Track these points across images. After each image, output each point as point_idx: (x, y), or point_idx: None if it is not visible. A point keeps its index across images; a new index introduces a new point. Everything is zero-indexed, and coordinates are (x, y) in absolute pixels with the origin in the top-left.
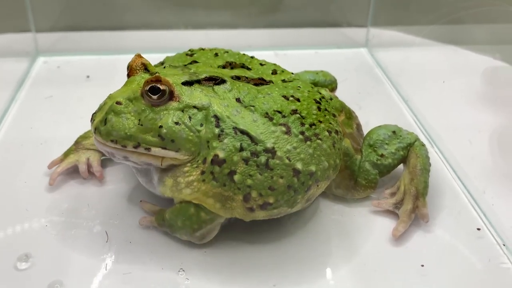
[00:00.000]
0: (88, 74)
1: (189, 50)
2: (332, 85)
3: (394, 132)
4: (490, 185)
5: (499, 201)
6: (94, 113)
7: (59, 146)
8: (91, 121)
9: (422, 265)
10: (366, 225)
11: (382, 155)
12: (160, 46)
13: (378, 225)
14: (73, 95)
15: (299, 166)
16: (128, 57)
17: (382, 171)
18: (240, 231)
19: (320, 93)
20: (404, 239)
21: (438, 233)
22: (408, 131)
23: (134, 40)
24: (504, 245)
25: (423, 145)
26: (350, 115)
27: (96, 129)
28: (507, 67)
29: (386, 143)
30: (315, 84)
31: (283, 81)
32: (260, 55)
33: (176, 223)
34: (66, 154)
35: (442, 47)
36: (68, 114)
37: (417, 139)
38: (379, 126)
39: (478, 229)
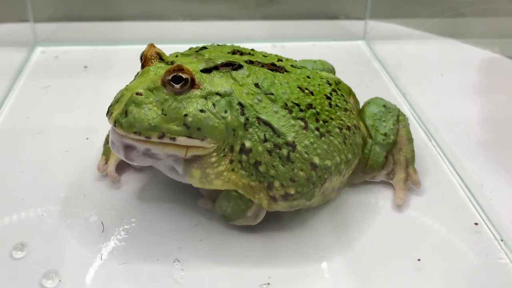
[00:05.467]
0: (86, 64)
1: (189, 49)
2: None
3: (384, 106)
4: (488, 179)
5: (497, 196)
6: (110, 105)
7: (56, 135)
8: (107, 114)
9: (419, 259)
10: (362, 218)
11: (385, 134)
12: (158, 37)
13: (374, 218)
14: (70, 85)
15: (316, 160)
16: (126, 48)
17: (388, 150)
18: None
19: (330, 84)
20: (401, 233)
21: (435, 227)
22: (389, 101)
23: (131, 30)
24: (502, 240)
25: (404, 115)
26: (357, 100)
27: (117, 122)
28: (504, 59)
29: (384, 120)
30: None
31: (292, 66)
32: (257, 47)
33: (226, 210)
34: (106, 154)
35: (441, 40)
36: (66, 104)
37: (399, 109)
38: (368, 104)
39: (476, 223)
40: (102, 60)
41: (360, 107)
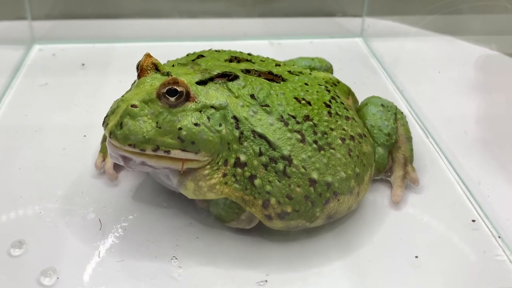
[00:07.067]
0: (83, 62)
1: (187, 55)
2: (328, 71)
3: (382, 105)
4: (485, 176)
5: (495, 193)
6: (106, 116)
7: (54, 133)
8: (103, 125)
9: (416, 256)
10: (359, 215)
11: (389, 135)
12: (155, 34)
13: (372, 215)
14: (68, 83)
15: (314, 175)
16: (123, 45)
17: (390, 150)
18: None
19: (329, 91)
20: (398, 230)
21: (433, 224)
22: (385, 99)
23: (129, 28)
24: (499, 237)
25: (402, 112)
26: (356, 99)
27: (112, 134)
28: (501, 56)
29: (385, 119)
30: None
31: (289, 72)
32: (254, 44)
33: (220, 214)
34: (104, 151)
35: (438, 37)
36: (63, 102)
37: (396, 106)
38: (365, 105)
39: (473, 220)
40: (99, 58)
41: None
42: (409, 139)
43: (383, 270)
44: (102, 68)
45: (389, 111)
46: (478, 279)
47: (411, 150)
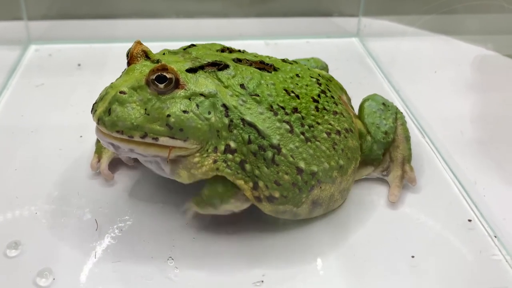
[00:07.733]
0: (80, 62)
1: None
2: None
3: (383, 104)
4: (481, 176)
5: (491, 192)
6: (95, 103)
7: (50, 134)
8: (91, 111)
9: (413, 256)
10: (356, 214)
11: (386, 133)
12: (151, 34)
13: (369, 215)
14: (64, 83)
15: (302, 165)
16: (119, 46)
17: (387, 148)
18: (230, 221)
19: (320, 84)
20: (394, 230)
21: (429, 224)
22: (386, 99)
23: (125, 28)
24: (495, 236)
25: (401, 112)
26: (349, 97)
27: (100, 120)
28: (498, 56)
29: (384, 118)
30: None
31: (283, 60)
32: (250, 44)
33: (217, 190)
34: (99, 152)
35: (434, 37)
36: (59, 102)
37: (396, 107)
38: (367, 100)
39: (469, 220)
40: (95, 58)
41: (353, 104)
42: (407, 138)
43: (379, 269)
44: (99, 68)
45: (389, 110)
46: (474, 278)
47: (410, 149)
